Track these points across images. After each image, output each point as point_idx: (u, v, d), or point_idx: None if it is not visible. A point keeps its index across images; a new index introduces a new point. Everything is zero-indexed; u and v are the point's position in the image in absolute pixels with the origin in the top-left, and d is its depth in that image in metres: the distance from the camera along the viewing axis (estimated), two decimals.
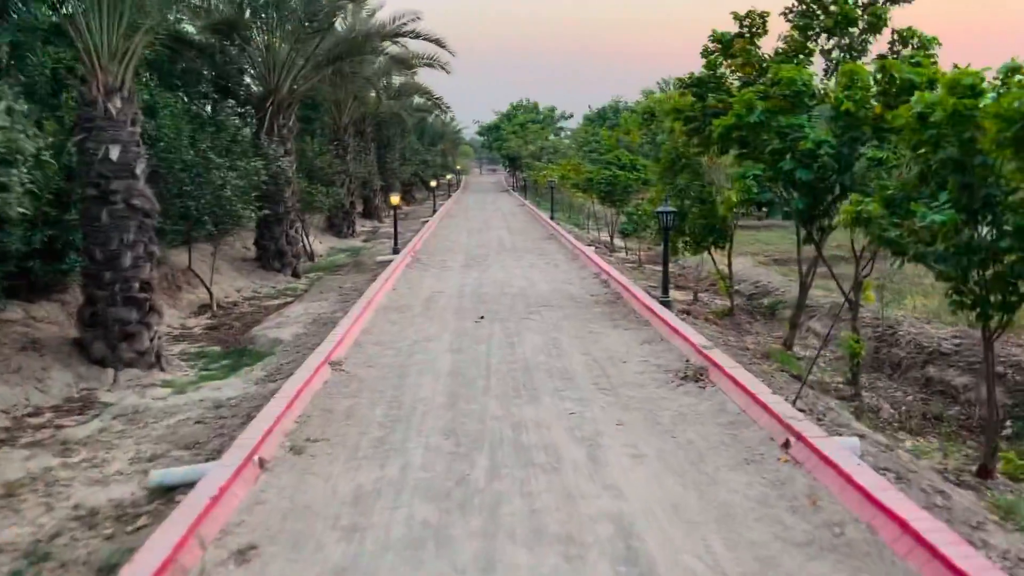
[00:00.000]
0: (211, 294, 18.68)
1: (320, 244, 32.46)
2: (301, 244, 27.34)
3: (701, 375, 9.61)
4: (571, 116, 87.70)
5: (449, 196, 64.45)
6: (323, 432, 8.18)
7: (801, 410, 8.27)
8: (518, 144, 77.55)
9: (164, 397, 10.67)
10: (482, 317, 13.93)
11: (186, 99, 19.83)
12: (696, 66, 13.37)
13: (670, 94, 14.84)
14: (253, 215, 17.94)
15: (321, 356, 10.69)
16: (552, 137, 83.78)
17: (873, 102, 9.52)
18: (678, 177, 15.18)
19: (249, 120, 22.94)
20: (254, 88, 23.08)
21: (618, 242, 29.85)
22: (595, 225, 37.18)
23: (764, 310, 16.76)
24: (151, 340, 12.71)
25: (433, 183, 49.59)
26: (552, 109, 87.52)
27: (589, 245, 26.53)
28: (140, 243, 12.53)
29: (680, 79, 12.49)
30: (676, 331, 11.53)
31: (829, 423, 8.32)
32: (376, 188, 44.12)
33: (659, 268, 24.02)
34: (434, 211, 45.07)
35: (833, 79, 11.93)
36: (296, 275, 23.38)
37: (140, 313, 12.51)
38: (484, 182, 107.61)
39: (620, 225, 23.63)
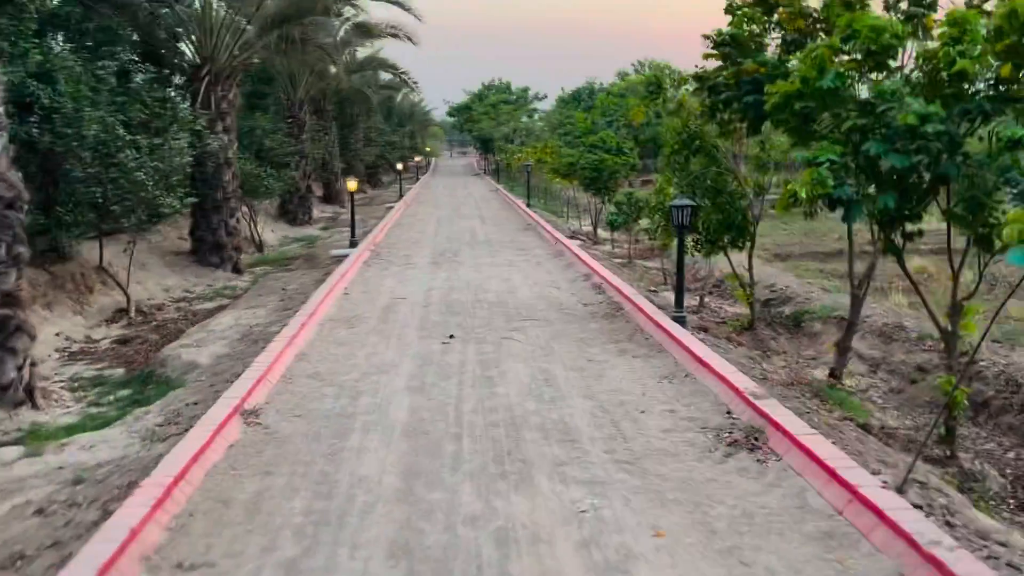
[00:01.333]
0: (128, 297, 15.65)
1: (272, 233, 29.41)
2: (246, 234, 24.30)
3: (756, 439, 6.92)
4: (545, 97, 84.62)
5: (417, 179, 61.42)
6: (206, 549, 5.35)
7: (918, 506, 5.62)
8: (490, 126, 74.58)
9: (11, 462, 7.73)
10: (452, 336, 11.12)
11: (102, 64, 16.63)
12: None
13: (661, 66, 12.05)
14: (177, 204, 14.87)
15: (231, 403, 7.83)
16: (525, 119, 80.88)
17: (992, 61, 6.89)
18: (690, 163, 12.45)
19: (184, 93, 19.77)
20: (187, 55, 19.88)
21: (602, 232, 27.15)
22: (574, 213, 34.43)
23: (786, 321, 14.16)
24: (18, 370, 9.73)
25: (400, 166, 46.48)
26: (525, 90, 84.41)
27: (571, 237, 23.81)
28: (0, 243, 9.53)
29: (706, 36, 9.77)
30: (705, 365, 8.83)
31: (963, 529, 5.66)
32: (337, 171, 40.96)
33: (652, 265, 21.39)
34: (400, 196, 42.04)
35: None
36: (237, 270, 20.36)
37: (0, 335, 9.54)
38: (455, 165, 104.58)
39: (608, 216, 20.91)
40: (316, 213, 37.67)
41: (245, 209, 24.94)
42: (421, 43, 31.10)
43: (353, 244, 21.06)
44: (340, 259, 19.36)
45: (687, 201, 10.92)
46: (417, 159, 71.73)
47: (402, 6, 22.39)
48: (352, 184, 21.12)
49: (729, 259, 13.37)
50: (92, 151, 13.57)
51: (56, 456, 7.76)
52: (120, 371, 12.00)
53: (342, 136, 47.62)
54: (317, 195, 41.22)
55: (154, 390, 10.73)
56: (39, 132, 13.14)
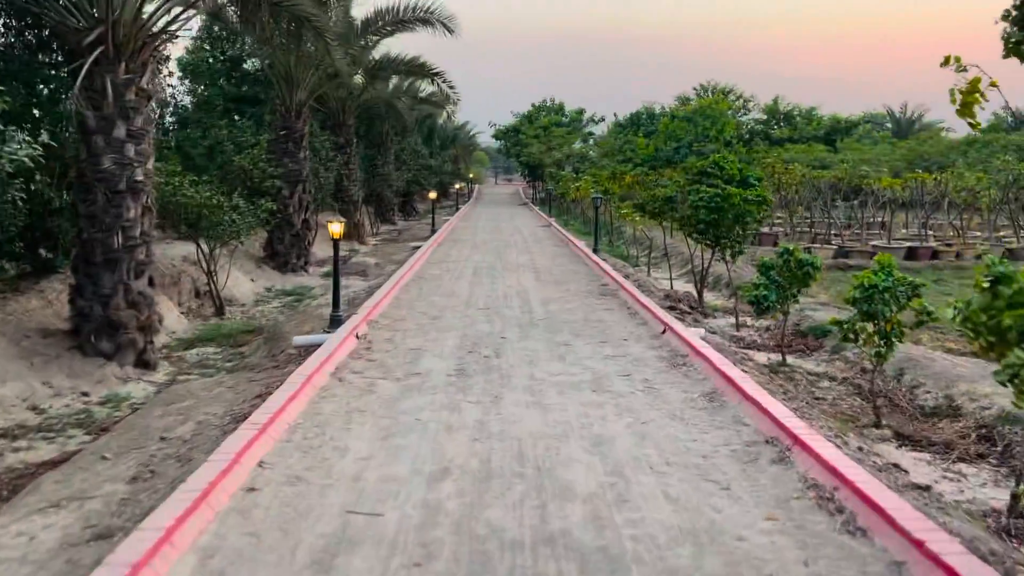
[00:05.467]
0: None
1: (253, 283, 21.78)
2: (204, 289, 16.71)
3: None
4: (603, 119, 76.90)
5: (457, 209, 54.03)
6: None
7: None
8: (540, 150, 67.06)
9: None
10: None
11: None
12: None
13: None
14: None
15: None
16: (579, 144, 73.37)
17: None
18: None
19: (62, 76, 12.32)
20: (74, 17, 12.35)
21: (710, 298, 18.97)
22: (644, 255, 25.95)
23: None
24: None
25: (432, 194, 38.86)
26: (580, 111, 76.71)
27: (671, 308, 15.74)
28: None
29: None
30: None
31: None
32: (356, 199, 33.44)
33: (812, 369, 13.15)
34: (432, 231, 34.40)
35: None
36: (144, 363, 12.61)
37: None
38: (500, 193, 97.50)
39: (751, 290, 12.68)
40: (325, 252, 30.21)
41: (151, 265, 17.42)
42: (466, 52, 23.68)
43: (335, 322, 13.21)
44: (308, 350, 11.58)
45: None
46: (458, 186, 64.55)
47: None
48: (336, 229, 13.28)
49: None
50: None
51: None
52: None
53: (369, 157, 40.37)
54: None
55: None
56: None
